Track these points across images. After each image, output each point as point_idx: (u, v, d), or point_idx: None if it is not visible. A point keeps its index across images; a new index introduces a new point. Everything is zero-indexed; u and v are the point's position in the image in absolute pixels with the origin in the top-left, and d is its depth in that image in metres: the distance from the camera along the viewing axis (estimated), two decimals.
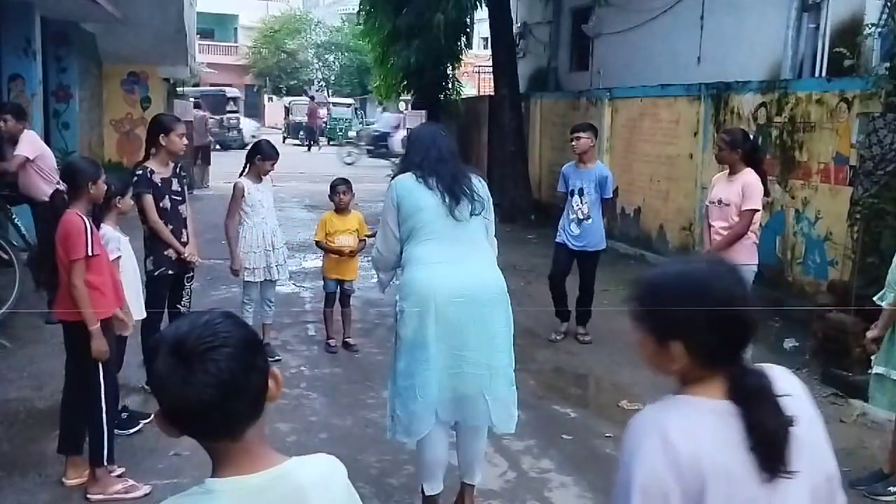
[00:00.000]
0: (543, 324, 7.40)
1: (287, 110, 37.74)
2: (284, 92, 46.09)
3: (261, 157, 6.12)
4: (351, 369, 6.20)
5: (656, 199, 9.99)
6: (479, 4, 13.56)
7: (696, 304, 1.59)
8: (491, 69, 26.36)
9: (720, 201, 5.69)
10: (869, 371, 5.67)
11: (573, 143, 6.82)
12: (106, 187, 4.17)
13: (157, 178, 5.36)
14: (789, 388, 1.64)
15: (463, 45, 15.85)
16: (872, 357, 4.40)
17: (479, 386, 3.62)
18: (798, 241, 7.44)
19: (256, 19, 48.38)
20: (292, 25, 47.15)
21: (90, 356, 3.94)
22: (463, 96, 17.90)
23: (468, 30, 15.62)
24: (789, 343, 6.71)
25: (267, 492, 1.42)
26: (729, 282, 1.64)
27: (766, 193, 5.70)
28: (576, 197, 6.83)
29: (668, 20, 11.36)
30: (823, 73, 8.42)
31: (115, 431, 4.28)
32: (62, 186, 3.97)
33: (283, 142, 35.04)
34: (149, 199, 5.30)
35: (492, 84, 25.51)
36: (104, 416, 4.02)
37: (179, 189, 5.51)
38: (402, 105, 35.43)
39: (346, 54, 45.52)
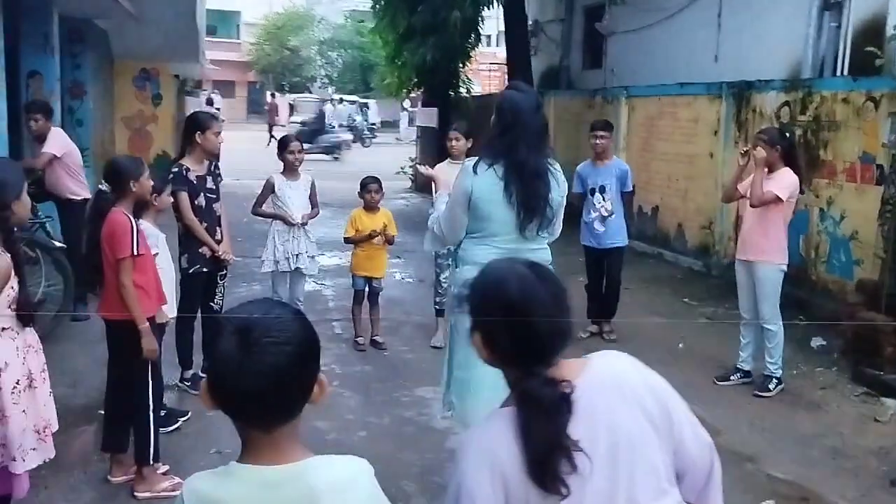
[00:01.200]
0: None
1: (291, 107, 37.64)
2: (287, 89, 46.03)
3: (200, 131, 5.38)
4: (382, 367, 6.20)
5: (675, 198, 9.99)
6: (493, 2, 13.51)
7: (489, 300, 1.64)
8: (497, 67, 26.48)
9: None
10: None
11: (594, 140, 6.85)
12: (150, 185, 4.17)
13: (192, 176, 5.37)
14: (623, 382, 1.65)
15: (473, 42, 15.79)
16: None
17: None
18: (822, 241, 7.44)
19: (259, 16, 48.32)
20: (295, 22, 47.10)
21: (137, 355, 3.94)
22: (473, 94, 17.86)
23: (479, 27, 15.58)
24: (816, 342, 6.71)
25: (279, 487, 1.46)
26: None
27: (802, 192, 5.69)
28: (597, 195, 6.86)
29: (684, 19, 11.36)
30: (845, 73, 8.43)
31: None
32: (104, 186, 3.97)
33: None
34: (184, 196, 5.30)
35: (498, 82, 25.60)
36: (151, 414, 4.03)
37: (214, 187, 5.51)
38: (407, 102, 35.51)
39: (349, 51, 45.50)
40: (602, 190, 6.82)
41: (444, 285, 6.78)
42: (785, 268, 5.67)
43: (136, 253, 3.87)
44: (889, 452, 4.85)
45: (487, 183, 3.52)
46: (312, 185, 6.31)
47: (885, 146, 6.19)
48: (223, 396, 1.45)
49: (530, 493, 1.56)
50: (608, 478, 1.58)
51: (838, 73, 8.58)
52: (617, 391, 1.64)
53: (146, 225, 4.35)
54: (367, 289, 6.63)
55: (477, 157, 3.62)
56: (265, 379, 1.41)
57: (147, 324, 3.92)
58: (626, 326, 7.11)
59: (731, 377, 5.96)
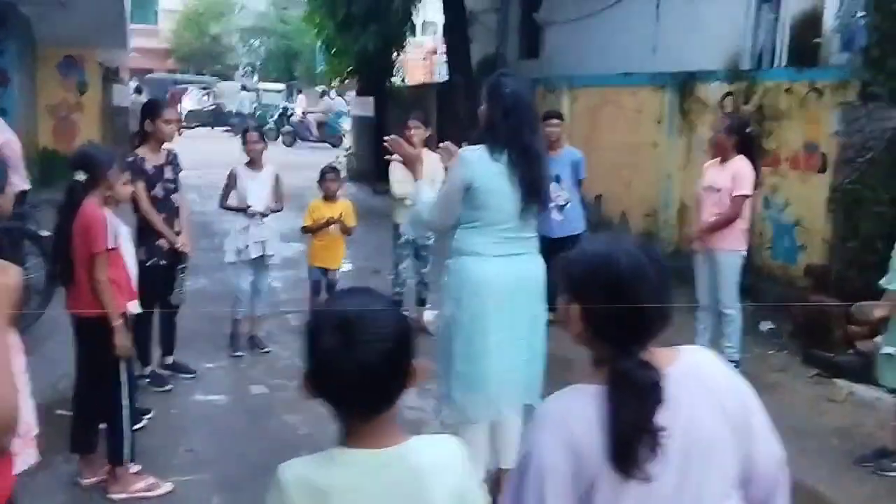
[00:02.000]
0: None
1: (214, 95, 36.83)
2: (208, 77, 44.99)
3: (150, 119, 5.21)
4: None
5: (618, 187, 10.13)
6: None
7: (598, 274, 1.62)
8: (426, 56, 26.41)
9: (710, 187, 5.82)
10: (850, 351, 5.97)
11: (547, 129, 6.86)
12: (122, 175, 4.00)
13: (148, 166, 5.19)
14: (708, 379, 1.65)
15: (408, 31, 15.71)
16: (878, 338, 4.57)
17: (533, 371, 3.66)
18: (767, 227, 7.65)
19: (178, 2, 47.04)
20: (216, 9, 46.02)
21: (110, 353, 3.78)
22: (408, 83, 17.79)
23: (413, 16, 15.51)
24: (766, 326, 6.91)
25: (385, 469, 1.51)
26: (639, 264, 1.62)
27: (758, 182, 5.84)
28: (552, 184, 6.88)
29: (622, 9, 11.50)
30: (783, 64, 8.68)
31: None
32: (79, 176, 3.77)
33: (212, 128, 34.25)
34: (140, 187, 5.10)
35: (427, 72, 25.54)
36: (125, 412, 3.87)
37: (173, 177, 5.34)
38: (332, 93, 35.16)
39: (273, 39, 44.74)
40: (557, 179, 6.84)
41: (403, 275, 6.74)
42: (745, 253, 5.81)
43: (110, 247, 3.71)
44: (848, 431, 5.03)
45: (489, 171, 3.45)
46: (277, 178, 6.16)
47: (837, 135, 6.39)
48: (325, 388, 1.50)
49: (601, 475, 1.55)
50: (679, 473, 1.57)
51: (776, 64, 8.83)
52: (702, 388, 1.63)
53: (111, 217, 4.17)
54: (323, 280, 6.53)
55: (473, 145, 3.54)
56: (368, 373, 1.46)
57: (121, 321, 3.76)
58: None
59: None
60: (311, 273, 6.54)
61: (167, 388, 5.34)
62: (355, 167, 17.57)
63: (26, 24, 12.89)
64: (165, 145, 5.31)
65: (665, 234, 9.16)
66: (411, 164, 3.81)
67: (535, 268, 3.65)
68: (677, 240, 8.99)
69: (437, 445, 1.62)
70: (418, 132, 6.48)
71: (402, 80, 17.16)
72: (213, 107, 33.30)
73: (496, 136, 3.47)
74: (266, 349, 6.16)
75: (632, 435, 1.53)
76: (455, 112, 13.12)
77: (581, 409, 1.59)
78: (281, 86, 38.92)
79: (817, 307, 6.14)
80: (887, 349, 4.37)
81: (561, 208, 6.88)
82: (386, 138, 3.91)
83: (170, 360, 5.62)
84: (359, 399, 1.50)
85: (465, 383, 3.56)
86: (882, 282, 4.43)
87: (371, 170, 16.04)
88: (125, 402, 3.86)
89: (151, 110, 5.30)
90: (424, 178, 6.35)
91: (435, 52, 28.48)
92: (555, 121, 6.99)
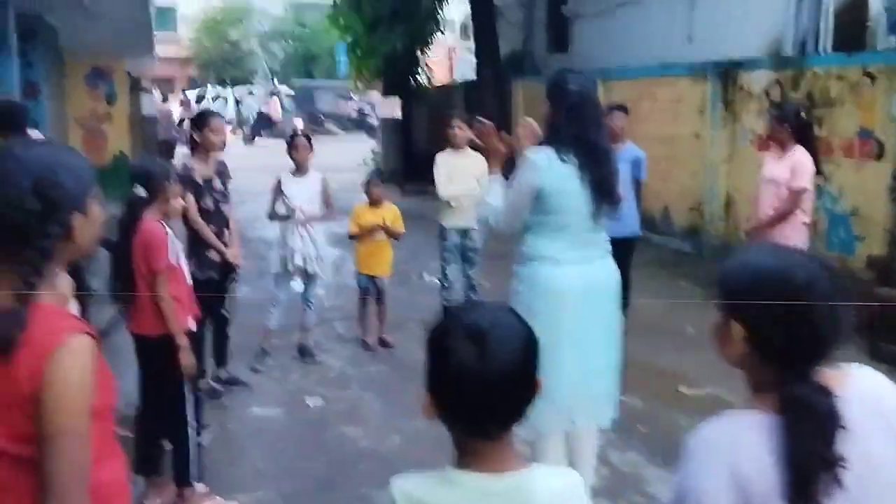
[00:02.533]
0: None
1: (237, 101, 36.93)
2: (229, 83, 45.17)
3: (198, 129, 5.10)
4: (396, 367, 5.99)
5: (657, 180, 9.89)
6: None
7: (768, 289, 1.46)
8: (446, 54, 26.28)
9: (769, 179, 5.65)
10: None
11: (610, 123, 6.67)
12: (178, 190, 3.90)
13: (197, 177, 5.09)
14: (880, 402, 1.51)
15: (434, 29, 15.60)
16: None
17: (605, 384, 3.54)
18: (821, 218, 7.45)
19: (196, 10, 47.22)
20: (234, 15, 46.17)
21: (174, 370, 3.68)
22: (434, 83, 17.66)
23: (439, 14, 15.38)
24: None
25: (502, 496, 1.44)
26: (816, 277, 1.47)
27: (819, 172, 5.64)
28: None
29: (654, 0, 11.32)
30: (827, 49, 8.46)
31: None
32: (140, 192, 3.67)
33: (233, 133, 34.35)
34: (190, 199, 5.00)
35: (448, 70, 25.43)
36: (192, 432, 3.78)
37: (222, 188, 5.23)
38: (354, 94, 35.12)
39: (291, 43, 44.84)
40: None
41: (451, 279, 6.61)
42: (803, 248, 5.62)
43: (171, 264, 3.61)
44: None
45: (560, 174, 3.32)
46: (324, 182, 6.04)
47: (895, 121, 6.19)
48: (455, 405, 1.43)
49: None
50: None
51: (820, 49, 8.61)
52: (876, 415, 1.50)
53: (171, 232, 4.07)
54: (371, 287, 6.41)
55: (540, 148, 3.40)
56: (501, 389, 1.39)
57: (186, 338, 3.66)
58: (632, 315, 7.00)
59: None
60: (358, 280, 6.43)
61: (222, 400, 5.24)
62: (382, 167, 17.48)
63: (53, 35, 12.86)
64: (214, 155, 5.21)
65: (711, 227, 8.97)
66: (493, 156, 3.67)
67: (609, 273, 3.56)
68: (724, 233, 8.80)
69: (557, 477, 1.54)
70: (462, 132, 6.33)
71: (428, 79, 17.02)
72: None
73: (562, 136, 3.35)
74: (317, 359, 6.06)
75: (811, 467, 1.40)
76: (484, 109, 12.97)
77: (747, 440, 1.45)
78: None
79: (886, 300, 5.93)
80: None
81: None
82: (480, 119, 3.78)
83: (224, 373, 5.53)
84: (489, 414, 1.42)
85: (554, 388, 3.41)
86: None
87: (399, 170, 15.95)
88: (191, 420, 3.76)
89: (198, 121, 5.21)
90: (467, 176, 6.29)
91: (455, 50, 28.43)
92: (618, 113, 6.72)
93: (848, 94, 7.11)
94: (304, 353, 6.11)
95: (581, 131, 3.33)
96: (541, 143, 3.46)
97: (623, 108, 6.80)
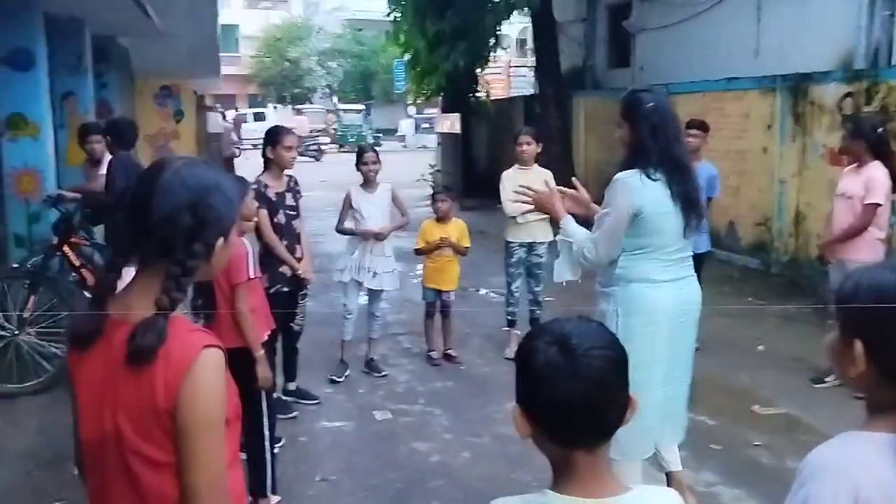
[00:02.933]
0: None
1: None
2: (289, 100, 45.97)
3: (271, 146, 5.19)
4: (463, 382, 6.00)
5: (725, 195, 9.73)
6: (523, 6, 13.32)
7: (893, 302, 1.43)
8: (502, 71, 26.35)
9: (844, 194, 5.54)
10: None
11: (687, 139, 6.59)
12: (255, 205, 3.97)
13: (270, 193, 5.18)
14: None
15: (493, 46, 15.64)
16: None
17: (684, 402, 3.55)
18: None
19: (257, 28, 48.23)
20: (293, 33, 47.05)
21: (251, 383, 3.74)
22: (493, 98, 17.71)
23: (499, 31, 15.42)
24: None
25: None
26: None
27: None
28: None
29: (719, 13, 11.19)
30: None
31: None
32: None
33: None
34: (263, 214, 5.10)
35: (505, 86, 25.48)
36: (267, 444, 3.83)
37: (294, 203, 5.32)
38: (412, 109, 35.45)
39: (350, 60, 45.48)
40: None
41: (516, 295, 6.59)
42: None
43: (251, 276, 3.68)
44: None
45: (655, 194, 3.31)
46: (393, 193, 6.11)
47: None
48: (548, 412, 1.40)
49: None
50: None
51: (894, 61, 8.40)
52: None
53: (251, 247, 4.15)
54: (437, 301, 6.44)
55: (631, 169, 3.36)
56: (596, 386, 1.37)
57: (262, 351, 3.72)
58: (700, 332, 6.90)
59: (826, 379, 5.76)
60: (425, 294, 6.46)
61: (293, 415, 5.30)
62: (440, 183, 17.56)
63: (125, 56, 13.28)
64: (286, 171, 5.30)
65: (780, 243, 8.79)
66: (548, 208, 3.65)
67: (697, 292, 3.57)
68: (794, 249, 8.61)
69: (659, 499, 1.51)
70: (530, 148, 6.33)
71: (487, 95, 17.07)
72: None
73: (648, 155, 3.33)
74: (384, 373, 6.10)
75: None
76: (546, 124, 12.94)
77: (871, 461, 1.42)
78: (360, 106, 39.43)
79: None
80: None
81: None
82: (518, 190, 3.77)
83: (293, 386, 5.60)
84: (583, 421, 1.39)
85: (649, 415, 3.35)
86: None
87: (457, 185, 16.00)
88: (267, 432, 3.82)
89: (271, 137, 5.30)
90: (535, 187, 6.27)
91: (511, 66, 28.48)
92: (695, 131, 6.62)
93: None
94: (371, 367, 6.16)
95: (665, 148, 3.32)
96: (625, 164, 3.43)
97: (700, 126, 6.66)
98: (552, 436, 1.41)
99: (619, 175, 3.38)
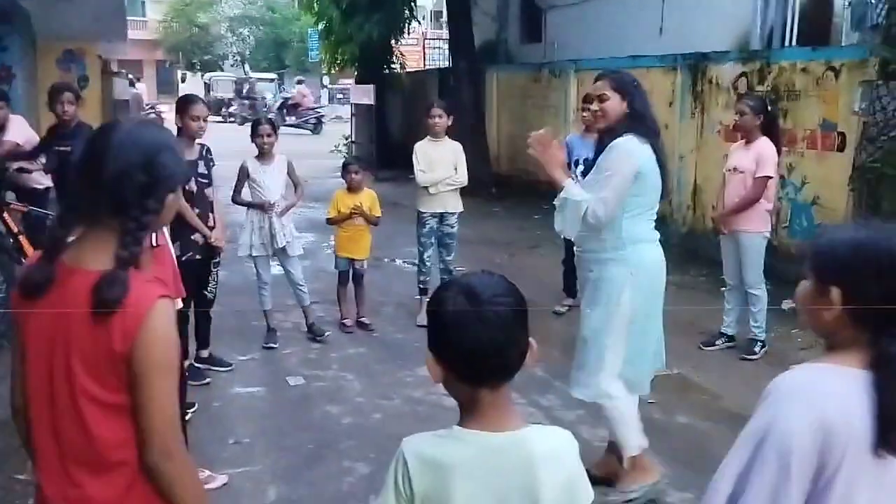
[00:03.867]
0: (542, 296, 7.49)
1: (207, 86, 36.68)
2: (198, 67, 44.80)
3: (179, 115, 5.23)
4: (376, 349, 6.16)
5: None
6: None
7: (869, 254, 1.62)
8: (417, 42, 26.32)
9: (735, 169, 5.87)
10: None
11: (587, 113, 6.84)
12: None
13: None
14: None
15: (409, 18, 15.67)
16: None
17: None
18: (784, 207, 7.71)
19: None
20: None
21: None
22: (407, 69, 17.75)
23: (413, 2, 15.46)
24: (787, 304, 6.95)
25: (503, 453, 1.58)
26: None
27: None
28: (580, 167, 6.87)
29: None
30: (794, 43, 8.72)
31: None
32: None
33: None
34: None
35: (420, 58, 25.47)
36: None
37: (206, 172, 5.35)
38: (326, 79, 35.07)
39: (262, 28, 44.56)
40: (589, 162, 6.84)
41: (428, 264, 6.76)
42: (768, 235, 5.88)
43: (154, 244, 3.71)
44: None
45: (649, 157, 3.65)
46: (289, 164, 6.16)
47: (857, 114, 6.44)
48: (458, 355, 1.58)
49: (852, 460, 1.57)
50: None
51: (786, 43, 8.87)
52: None
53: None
54: (350, 270, 6.56)
55: (626, 135, 3.62)
56: (501, 330, 1.55)
57: None
58: None
59: (716, 342, 6.15)
60: (337, 263, 6.57)
61: (206, 381, 5.36)
62: (355, 154, 17.57)
63: (27, 18, 12.78)
64: (198, 140, 5.31)
65: (679, 215, 9.22)
66: (552, 168, 3.75)
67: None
68: (692, 221, 9.05)
69: (552, 436, 1.67)
70: (441, 121, 6.48)
71: (402, 67, 17.10)
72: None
73: (646, 124, 3.71)
74: (326, 333, 6.27)
75: None
76: (459, 97, 13.11)
77: (836, 389, 1.60)
78: (273, 75, 38.75)
79: None
80: None
81: None
82: (532, 135, 3.80)
83: (206, 353, 5.64)
84: (490, 362, 1.56)
85: (638, 362, 3.86)
86: None
87: (372, 157, 16.05)
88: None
89: (179, 106, 5.31)
90: (444, 164, 6.45)
91: (427, 38, 28.46)
92: (586, 105, 6.87)
93: (812, 87, 7.37)
94: (314, 331, 6.28)
95: (646, 117, 3.74)
96: (615, 131, 3.67)
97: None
98: (461, 377, 1.59)
99: (619, 141, 3.62)
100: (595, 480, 3.88)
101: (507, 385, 1.61)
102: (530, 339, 1.61)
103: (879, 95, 5.96)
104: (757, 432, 1.63)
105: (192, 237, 5.25)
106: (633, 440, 3.94)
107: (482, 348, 1.54)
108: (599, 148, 3.82)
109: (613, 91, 3.72)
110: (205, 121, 5.33)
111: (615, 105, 3.71)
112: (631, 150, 3.61)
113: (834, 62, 7.14)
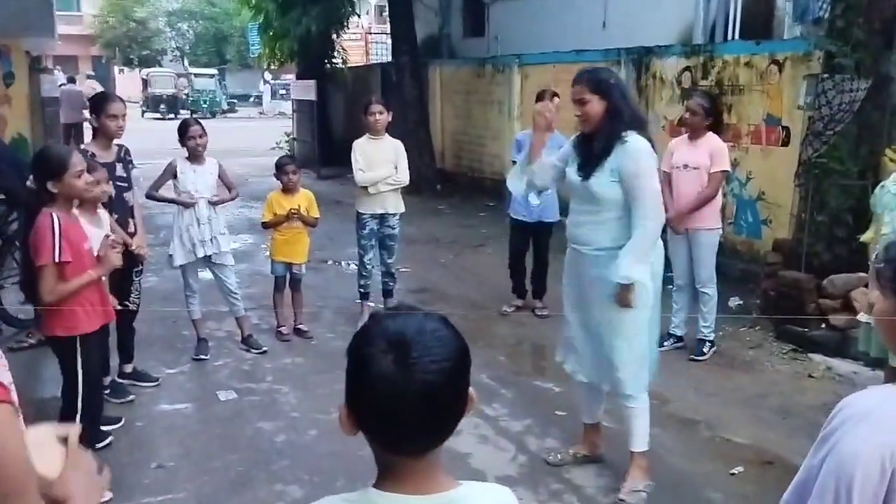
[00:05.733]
0: (488, 297, 7.29)
1: (145, 82, 35.77)
2: (136, 63, 43.71)
3: (95, 114, 4.90)
4: (313, 358, 5.87)
5: None
6: None
7: None
8: (360, 37, 25.94)
9: (686, 165, 5.71)
10: (822, 326, 5.97)
11: (538, 107, 6.63)
12: (83, 180, 3.68)
13: (98, 163, 4.83)
14: None
15: (349, 12, 15.35)
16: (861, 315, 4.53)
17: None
18: (729, 202, 7.62)
19: None
20: None
21: (72, 374, 3.51)
22: (350, 65, 17.40)
23: None
24: (734, 302, 6.88)
25: None
26: None
27: None
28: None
29: None
30: (735, 37, 8.65)
31: None
32: (31, 183, 3.46)
33: (143, 115, 33.34)
34: None
35: (363, 53, 25.11)
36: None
37: (125, 175, 5.00)
38: (268, 74, 34.50)
39: (201, 22, 43.65)
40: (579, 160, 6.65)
41: (369, 267, 6.50)
42: (721, 231, 5.76)
43: (57, 260, 3.40)
44: (833, 408, 4.99)
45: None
46: (220, 167, 5.83)
47: (802, 108, 6.35)
48: (374, 421, 1.29)
49: None
50: None
51: (729, 37, 8.79)
52: None
53: (86, 224, 3.85)
54: (287, 275, 6.26)
55: (628, 133, 3.65)
56: (425, 403, 1.25)
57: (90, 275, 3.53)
58: (555, 300, 7.04)
59: (665, 343, 5.98)
60: (274, 268, 6.26)
61: (129, 398, 5.02)
62: (297, 152, 17.18)
63: None
64: (116, 140, 4.97)
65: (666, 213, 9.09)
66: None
67: None
68: None
69: (489, 497, 1.41)
70: (382, 117, 6.22)
71: (344, 62, 16.75)
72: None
73: (634, 117, 3.75)
74: (263, 349, 5.93)
75: None
76: (402, 93, 12.84)
77: None
78: (213, 70, 37.97)
79: (790, 282, 6.11)
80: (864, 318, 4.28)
81: (540, 192, 6.67)
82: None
83: (129, 368, 5.30)
84: (412, 435, 1.28)
85: (654, 348, 3.99)
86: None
87: (314, 154, 15.69)
88: (77, 419, 3.56)
89: (95, 105, 4.96)
90: (384, 162, 6.19)
91: (370, 33, 28.13)
92: (557, 100, 6.66)
93: (756, 81, 7.28)
94: (250, 344, 5.96)
95: (636, 111, 3.85)
96: (607, 131, 3.66)
97: (555, 94, 6.73)
98: (371, 438, 1.31)
99: (630, 144, 3.63)
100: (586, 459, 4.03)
101: (436, 450, 1.32)
102: (470, 389, 1.32)
103: (824, 89, 5.86)
104: (819, 455, 1.53)
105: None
106: (647, 434, 3.97)
107: (405, 423, 1.26)
108: (585, 147, 3.81)
109: (592, 93, 3.71)
110: (123, 119, 4.98)
111: (595, 106, 3.69)
112: (650, 151, 3.70)
113: (778, 56, 7.07)
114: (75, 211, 3.77)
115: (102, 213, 4.35)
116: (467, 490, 1.36)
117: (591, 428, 4.30)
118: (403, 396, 1.23)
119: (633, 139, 3.65)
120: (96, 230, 4.03)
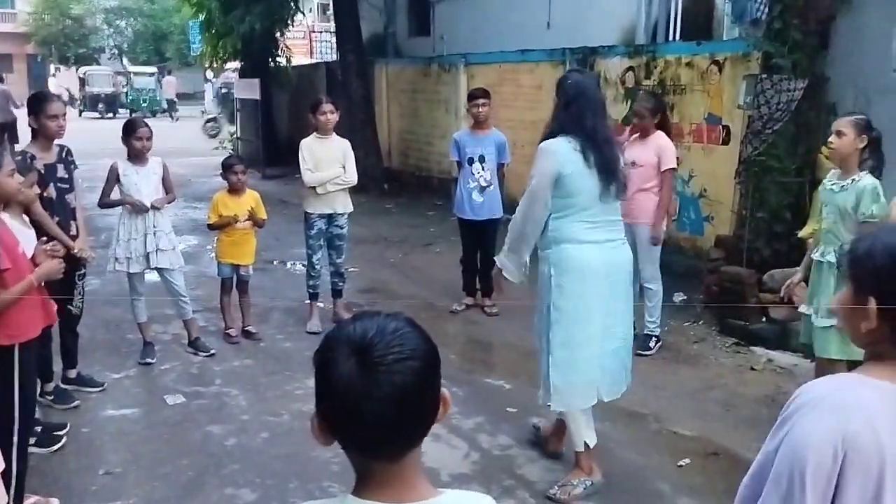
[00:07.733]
0: (438, 295, 7.31)
1: (82, 81, 34.92)
2: (73, 61, 42.63)
3: (34, 115, 4.79)
4: (262, 359, 5.82)
5: (521, 164, 10.05)
6: None
7: None
8: (304, 35, 25.74)
9: (634, 163, 5.80)
10: (763, 319, 6.13)
11: (476, 109, 6.72)
12: (14, 181, 3.59)
13: (38, 165, 4.72)
14: None
15: (293, 10, 15.21)
16: (803, 307, 4.63)
17: (623, 358, 3.92)
18: (672, 200, 7.75)
19: None
20: None
21: (7, 386, 3.42)
22: (293, 64, 17.24)
23: None
24: (678, 297, 7.02)
25: None
26: None
27: None
28: (476, 164, 6.75)
29: None
30: (677, 37, 8.82)
31: (35, 450, 3.94)
32: None
33: (80, 115, 32.58)
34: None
35: (307, 51, 24.92)
36: (15, 448, 3.46)
37: (67, 176, 4.89)
38: (210, 73, 33.95)
39: (140, 20, 42.80)
40: (482, 159, 6.71)
41: (317, 267, 6.46)
42: (665, 228, 5.87)
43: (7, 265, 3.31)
44: (775, 399, 5.13)
45: (570, 156, 3.63)
46: (164, 168, 5.73)
47: (742, 108, 6.51)
48: (346, 428, 1.27)
49: (888, 469, 1.47)
50: None
51: (670, 37, 8.96)
52: None
53: (16, 226, 3.74)
54: (234, 277, 6.19)
55: (548, 136, 3.71)
56: (395, 403, 1.23)
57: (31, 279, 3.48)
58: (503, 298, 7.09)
59: None
60: (221, 270, 6.18)
61: (74, 404, 4.92)
62: (241, 151, 16.97)
63: None
64: (57, 141, 4.85)
65: None
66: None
67: (627, 256, 3.90)
68: None
69: (470, 503, 1.41)
70: (333, 116, 6.20)
71: (288, 61, 16.60)
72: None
73: (559, 123, 3.72)
74: (212, 351, 5.84)
75: None
76: (348, 92, 12.78)
77: (868, 402, 1.50)
78: (153, 69, 37.22)
79: (732, 276, 6.25)
80: (823, 321, 4.33)
81: (483, 190, 6.75)
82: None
83: (73, 373, 5.19)
84: (384, 439, 1.26)
85: (565, 370, 3.76)
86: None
87: (259, 154, 15.52)
88: (15, 438, 3.44)
89: (33, 106, 4.84)
90: (332, 162, 6.17)
91: (314, 31, 27.91)
92: (482, 100, 6.79)
93: (697, 81, 7.44)
94: (197, 347, 5.87)
95: (577, 120, 3.66)
96: (548, 134, 3.74)
97: (485, 94, 6.89)
98: (346, 446, 1.30)
99: (543, 143, 3.71)
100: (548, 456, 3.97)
101: (413, 453, 1.31)
102: (443, 390, 1.31)
103: (763, 89, 6.02)
104: (775, 441, 1.55)
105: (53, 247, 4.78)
106: (580, 436, 3.93)
107: (375, 426, 1.24)
108: None
109: (556, 93, 3.83)
110: (63, 119, 4.86)
111: (553, 107, 3.81)
112: (550, 152, 3.67)
113: (718, 56, 7.23)
114: (4, 214, 3.67)
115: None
116: (448, 498, 1.34)
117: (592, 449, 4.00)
118: (371, 397, 1.22)
119: (549, 140, 3.70)
120: (27, 231, 3.93)
